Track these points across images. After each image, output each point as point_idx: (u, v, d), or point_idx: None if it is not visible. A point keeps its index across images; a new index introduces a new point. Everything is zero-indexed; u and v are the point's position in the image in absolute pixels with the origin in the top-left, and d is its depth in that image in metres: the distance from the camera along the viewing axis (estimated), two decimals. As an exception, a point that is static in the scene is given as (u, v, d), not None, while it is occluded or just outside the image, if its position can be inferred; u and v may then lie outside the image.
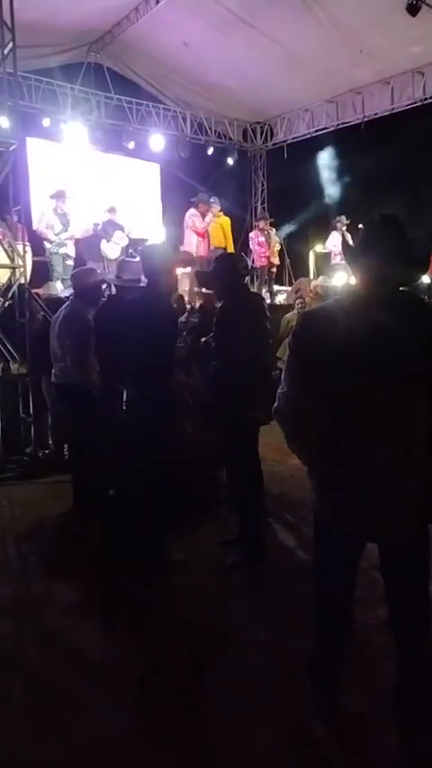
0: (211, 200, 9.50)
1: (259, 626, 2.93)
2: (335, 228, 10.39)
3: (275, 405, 2.04)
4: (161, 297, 3.66)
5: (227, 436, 3.67)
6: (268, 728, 2.21)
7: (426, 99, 10.35)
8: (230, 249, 9.41)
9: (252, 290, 9.32)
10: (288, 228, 11.66)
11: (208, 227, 9.38)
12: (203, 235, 9.39)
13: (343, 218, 10.26)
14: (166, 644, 2.78)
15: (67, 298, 5.00)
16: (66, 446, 5.48)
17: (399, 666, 2.19)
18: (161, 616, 3.02)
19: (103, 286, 4.82)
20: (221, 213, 9.66)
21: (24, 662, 2.75)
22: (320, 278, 9.78)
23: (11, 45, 5.58)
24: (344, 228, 10.14)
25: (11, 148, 5.67)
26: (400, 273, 1.91)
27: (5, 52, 5.60)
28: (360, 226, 2.18)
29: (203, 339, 4.79)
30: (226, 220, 9.87)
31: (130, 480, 3.66)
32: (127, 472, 3.68)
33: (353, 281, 1.97)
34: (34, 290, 6.32)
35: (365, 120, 11.18)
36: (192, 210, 9.44)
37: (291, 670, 2.45)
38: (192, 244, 9.39)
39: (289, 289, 10.88)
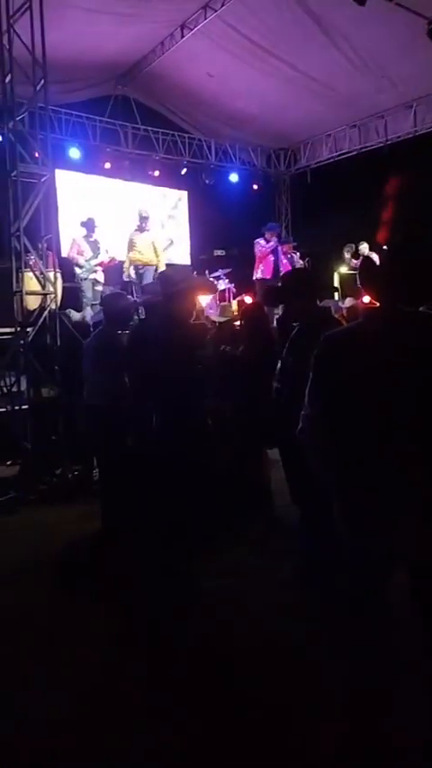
0: (143, 213, 9.34)
1: (301, 647, 2.89)
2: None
3: (299, 426, 2.03)
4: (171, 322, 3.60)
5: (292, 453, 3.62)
6: (306, 752, 2.21)
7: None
8: (161, 266, 9.34)
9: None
10: (312, 251, 11.72)
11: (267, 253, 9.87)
12: (262, 259, 9.90)
13: (363, 246, 10.33)
14: (204, 670, 2.76)
15: (96, 323, 5.12)
16: (95, 468, 5.54)
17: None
18: (197, 640, 3.00)
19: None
20: (148, 229, 9.44)
21: (56, 683, 2.75)
22: (347, 299, 9.77)
23: (42, 81, 5.82)
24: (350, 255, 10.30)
25: (42, 180, 5.87)
26: (421, 294, 1.90)
27: (38, 88, 5.84)
28: (384, 248, 2.20)
29: (222, 347, 4.81)
30: (158, 237, 9.80)
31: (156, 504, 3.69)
32: (155, 496, 3.71)
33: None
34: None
35: (388, 143, 11.27)
36: (258, 240, 9.93)
37: (334, 694, 2.42)
38: (259, 270, 9.82)
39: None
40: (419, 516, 1.86)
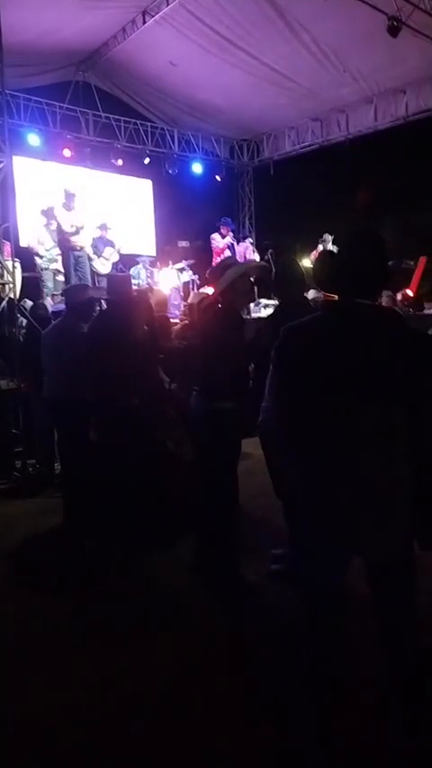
0: (69, 190, 8.67)
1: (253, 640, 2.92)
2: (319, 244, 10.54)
3: (259, 418, 2.04)
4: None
5: None
6: (262, 742, 2.24)
7: (408, 117, 10.58)
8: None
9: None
10: (275, 243, 11.76)
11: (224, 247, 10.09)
12: (219, 253, 10.02)
13: (327, 236, 10.26)
14: (159, 665, 2.76)
15: (56, 313, 5.03)
16: (56, 461, 5.47)
17: (388, 679, 2.18)
18: (150, 635, 3.00)
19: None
20: (74, 208, 8.66)
21: (15, 681, 2.71)
22: (312, 291, 9.81)
23: (-1, 65, 5.66)
24: (328, 246, 10.21)
25: (0, 166, 5.73)
26: (372, 286, 1.92)
27: (-6, 72, 5.68)
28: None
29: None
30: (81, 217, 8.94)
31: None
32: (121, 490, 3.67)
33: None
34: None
35: (349, 137, 11.39)
36: (214, 234, 10.10)
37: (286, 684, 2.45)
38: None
39: (275, 302, 10.94)
40: (375, 514, 1.87)
